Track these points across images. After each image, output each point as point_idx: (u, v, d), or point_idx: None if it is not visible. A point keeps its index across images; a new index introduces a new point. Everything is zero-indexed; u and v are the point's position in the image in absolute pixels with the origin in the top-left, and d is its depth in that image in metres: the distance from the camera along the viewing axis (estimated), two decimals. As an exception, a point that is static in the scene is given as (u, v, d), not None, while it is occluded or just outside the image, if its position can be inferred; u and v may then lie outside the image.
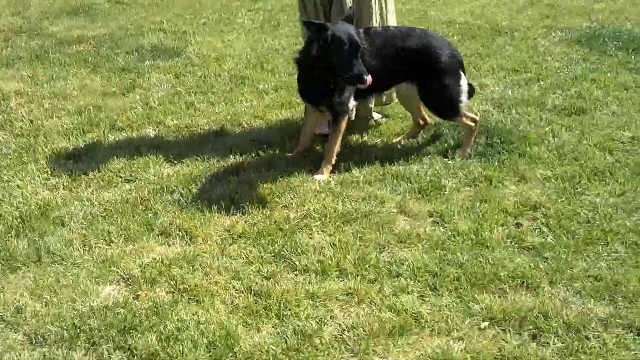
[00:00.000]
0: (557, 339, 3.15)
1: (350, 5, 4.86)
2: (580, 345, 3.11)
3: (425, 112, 5.09)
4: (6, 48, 7.04)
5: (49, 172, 4.69)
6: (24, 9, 8.40)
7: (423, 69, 4.66)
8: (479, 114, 5.07)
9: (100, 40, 7.23)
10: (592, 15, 7.75)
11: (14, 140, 5.14)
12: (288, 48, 6.76)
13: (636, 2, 8.27)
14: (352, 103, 4.72)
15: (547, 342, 3.14)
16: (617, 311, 3.31)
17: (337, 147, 4.66)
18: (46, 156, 4.90)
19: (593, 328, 3.21)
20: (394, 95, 5.29)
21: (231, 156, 4.82)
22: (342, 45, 4.24)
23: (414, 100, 4.90)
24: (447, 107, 4.76)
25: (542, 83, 5.97)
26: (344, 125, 4.68)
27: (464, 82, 4.74)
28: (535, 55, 6.60)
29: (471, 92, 4.91)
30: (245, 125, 5.33)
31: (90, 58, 6.74)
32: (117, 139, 5.15)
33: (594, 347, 3.10)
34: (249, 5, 8.33)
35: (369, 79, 4.27)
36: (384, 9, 5.07)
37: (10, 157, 4.90)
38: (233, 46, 6.98)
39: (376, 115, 5.42)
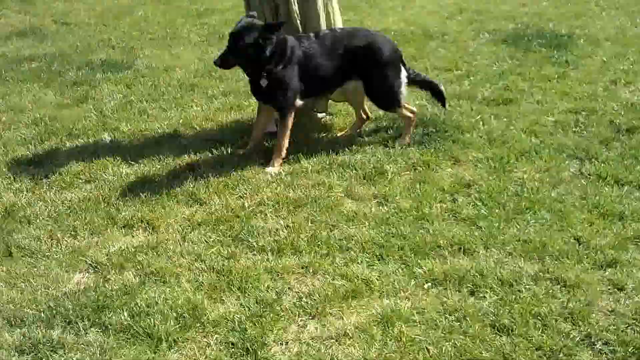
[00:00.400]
0: (493, 293, 3.52)
1: (296, 8, 5.21)
2: (513, 297, 3.48)
3: (367, 107, 5.45)
4: (-42, 69, 7.20)
5: (12, 178, 4.89)
6: (-30, 32, 8.57)
7: (368, 64, 5.03)
8: (416, 108, 5.45)
9: (51, 58, 7.42)
10: (517, 19, 8.27)
11: (-26, 151, 5.33)
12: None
13: (558, 5, 8.84)
14: (298, 102, 5.05)
15: (484, 296, 3.50)
16: (545, 267, 3.70)
17: (286, 142, 4.99)
18: (7, 164, 5.10)
19: (524, 282, 3.59)
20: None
21: (186, 155, 5.10)
22: None
23: (358, 96, 5.26)
24: (390, 99, 5.13)
25: (472, 79, 6.41)
26: (290, 121, 5.00)
27: (403, 76, 5.12)
28: (465, 56, 7.05)
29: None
30: (197, 127, 5.61)
31: (42, 74, 6.93)
32: (74, 145, 5.38)
33: (526, 297, 3.47)
34: (193, 21, 8.61)
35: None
36: (330, 11, 5.42)
37: (-28, 166, 5.09)
38: (181, 58, 7.27)
39: (320, 114, 5.76)
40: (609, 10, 8.80)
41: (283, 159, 4.98)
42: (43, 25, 8.86)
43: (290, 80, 4.90)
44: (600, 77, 6.36)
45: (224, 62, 4.83)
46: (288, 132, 5.01)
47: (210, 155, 5.09)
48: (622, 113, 5.55)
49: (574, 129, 5.30)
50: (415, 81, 5.31)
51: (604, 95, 5.93)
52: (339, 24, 5.51)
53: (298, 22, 5.28)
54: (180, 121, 5.71)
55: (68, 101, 6.26)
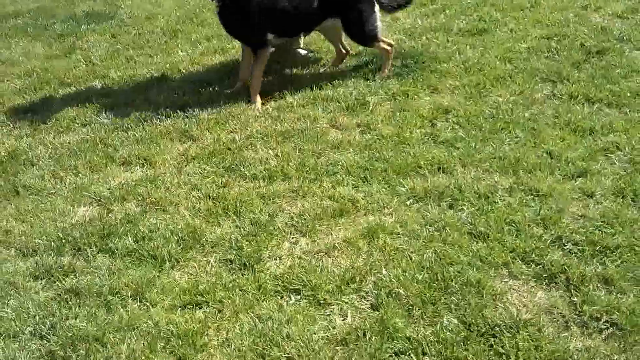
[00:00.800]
0: (470, 205, 3.80)
1: None
2: (489, 207, 3.76)
3: (346, 43, 5.66)
4: (-57, 27, 7.32)
5: (11, 125, 5.10)
6: (-50, -10, 8.63)
7: (343, 2, 5.22)
8: (393, 42, 5.66)
9: (35, 13, 7.56)
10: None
11: (-29, 102, 5.52)
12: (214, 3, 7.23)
13: None
14: (271, 39, 5.23)
15: (462, 209, 3.78)
16: (519, 180, 3.98)
17: (259, 76, 5.23)
18: (5, 112, 5.30)
19: (499, 195, 3.87)
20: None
21: (175, 96, 5.32)
22: None
23: (336, 33, 5.47)
24: (367, 34, 5.33)
25: (447, 12, 6.61)
26: (263, 57, 5.23)
27: (377, 10, 5.31)
28: (440, -11, 7.25)
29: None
30: (184, 71, 5.81)
31: (29, 29, 7.07)
32: (67, 92, 5.57)
33: (501, 207, 3.75)
34: (172, -30, 8.73)
35: None
36: None
37: (-30, 116, 5.29)
38: (162, 6, 7.42)
39: (302, 52, 5.97)
40: None
41: (266, 95, 5.19)
42: (23, -18, 8.94)
43: (249, 15, 5.07)
44: (572, 4, 6.58)
45: None
46: (261, 67, 5.24)
47: (198, 95, 5.30)
48: (593, 36, 5.79)
49: (546, 54, 5.54)
50: (389, 8, 5.49)
51: (575, 21, 6.16)
52: None
53: None
54: (167, 66, 5.90)
55: (57, 52, 6.42)
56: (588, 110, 4.66)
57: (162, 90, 5.43)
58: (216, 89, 5.41)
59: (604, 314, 2.99)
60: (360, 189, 4.05)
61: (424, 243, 3.54)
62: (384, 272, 3.35)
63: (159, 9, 7.35)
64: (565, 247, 3.42)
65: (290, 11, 5.15)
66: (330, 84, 5.32)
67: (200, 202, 4.02)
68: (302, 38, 5.85)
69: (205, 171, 4.33)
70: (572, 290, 3.14)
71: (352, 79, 5.40)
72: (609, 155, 4.17)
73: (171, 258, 3.57)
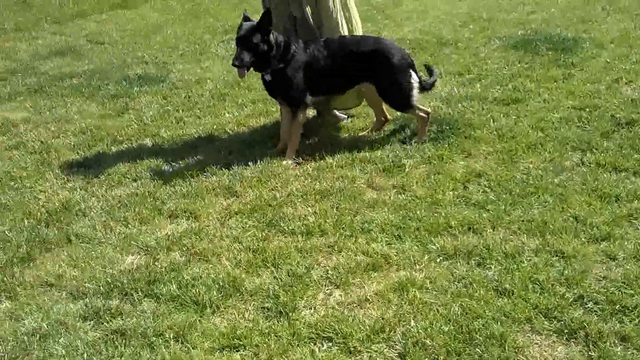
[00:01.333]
0: (497, 264, 3.98)
1: (310, 19, 5.74)
2: (515, 267, 3.93)
3: (385, 110, 5.94)
4: (5, 86, 7.77)
5: (65, 179, 5.42)
6: (14, 53, 9.14)
7: (377, 69, 5.52)
8: (431, 109, 5.92)
9: (90, 74, 7.99)
10: (526, 25, 8.71)
11: (29, 157, 5.87)
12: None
13: (565, 11, 9.26)
14: (308, 99, 5.57)
15: (489, 267, 3.96)
16: (546, 242, 4.16)
17: (298, 136, 5.55)
18: (60, 166, 5.64)
19: (526, 255, 4.04)
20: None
21: (221, 154, 5.62)
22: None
23: (374, 98, 5.76)
24: (402, 101, 5.61)
25: (483, 82, 6.87)
26: (300, 117, 5.56)
27: (414, 79, 5.59)
28: (477, 60, 7.52)
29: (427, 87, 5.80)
30: (230, 132, 6.12)
31: (83, 89, 7.49)
32: (119, 149, 5.91)
33: (527, 266, 3.93)
34: (219, 38, 9.16)
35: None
36: (344, 21, 5.94)
37: (28, 169, 5.62)
38: (211, 71, 7.81)
39: (342, 116, 6.26)
40: (614, 15, 9.20)
41: (309, 156, 5.47)
42: (78, 45, 9.43)
43: (292, 77, 5.44)
44: (604, 77, 6.79)
45: (239, 61, 5.26)
46: (299, 128, 5.56)
47: (243, 155, 5.59)
48: (623, 108, 5.98)
49: (577, 124, 5.74)
50: (426, 88, 5.78)
51: (607, 93, 6.36)
52: (359, 31, 6.01)
53: (316, 31, 5.79)
54: (214, 127, 6.23)
55: (110, 112, 6.79)
56: (615, 178, 4.83)
57: (209, 149, 5.73)
58: (260, 149, 5.69)
59: (620, 368, 3.12)
60: (393, 245, 4.26)
61: (451, 298, 3.72)
62: (412, 323, 3.53)
63: (209, 73, 7.73)
64: (587, 306, 3.57)
65: (327, 73, 5.47)
66: (368, 146, 5.58)
67: (241, 254, 4.25)
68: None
69: (247, 225, 4.58)
70: (591, 346, 3.30)
71: (389, 143, 5.65)
72: (632, 220, 4.33)
73: (212, 304, 3.79)
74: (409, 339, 3.42)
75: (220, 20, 10.05)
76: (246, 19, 5.43)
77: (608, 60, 7.31)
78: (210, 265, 4.16)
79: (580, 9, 9.31)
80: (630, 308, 3.52)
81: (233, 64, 5.31)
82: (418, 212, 4.58)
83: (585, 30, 8.32)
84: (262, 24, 5.26)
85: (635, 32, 8.31)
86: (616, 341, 3.32)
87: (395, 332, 3.50)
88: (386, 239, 4.33)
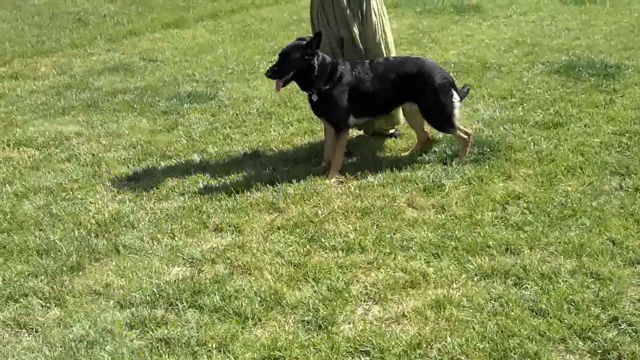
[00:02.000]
0: (534, 284, 4.06)
1: (358, 39, 5.91)
2: (551, 287, 4.01)
3: (427, 130, 6.05)
4: (60, 100, 8.03)
5: (115, 191, 5.63)
6: (68, 69, 9.46)
7: (420, 89, 5.65)
8: (472, 131, 6.02)
9: (141, 91, 8.23)
10: (569, 51, 8.73)
11: (80, 169, 6.09)
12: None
13: (609, 38, 9.27)
14: (352, 120, 5.73)
15: (526, 287, 4.05)
16: (582, 264, 4.22)
17: (341, 156, 5.69)
18: (110, 179, 5.85)
19: (562, 276, 4.12)
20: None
21: (266, 171, 5.78)
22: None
23: (417, 118, 5.88)
24: (443, 121, 5.72)
25: (525, 105, 6.93)
26: (344, 137, 5.71)
27: (456, 99, 5.70)
28: (520, 85, 7.58)
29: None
30: (275, 149, 6.29)
31: (135, 105, 7.73)
32: (168, 164, 6.11)
33: (562, 287, 4.00)
34: (268, 58, 9.32)
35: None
36: (388, 42, 6.12)
37: (80, 181, 5.84)
38: (259, 90, 7.99)
39: (391, 131, 6.39)
40: (659, 43, 9.21)
41: (352, 176, 5.60)
42: (131, 62, 9.68)
43: (338, 99, 5.59)
44: (645, 103, 6.83)
45: (271, 72, 5.54)
46: (342, 148, 5.70)
47: (287, 172, 5.74)
48: (664, 135, 6.01)
49: (617, 149, 5.78)
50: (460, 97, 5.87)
51: (648, 119, 6.39)
52: (392, 52, 6.18)
53: (362, 52, 5.95)
54: (260, 144, 6.40)
55: (160, 127, 7.01)
56: (654, 203, 4.89)
57: (255, 166, 5.90)
58: (303, 166, 5.84)
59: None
60: (431, 263, 4.37)
61: (487, 316, 3.81)
62: (448, 340, 3.63)
63: (256, 92, 7.92)
64: (621, 327, 3.65)
65: (372, 94, 5.62)
66: (409, 166, 5.69)
67: (282, 268, 4.40)
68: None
69: (289, 240, 4.72)
70: None
71: (430, 163, 5.75)
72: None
73: (254, 316, 3.93)
74: (445, 355, 3.52)
75: (269, 40, 10.26)
76: (299, 39, 5.62)
77: (651, 87, 7.34)
78: (253, 278, 4.31)
79: (625, 36, 9.31)
80: None
81: (265, 74, 5.60)
82: (457, 232, 4.68)
83: (629, 57, 8.33)
84: (309, 45, 5.44)
85: (680, 60, 8.30)
86: (648, 363, 3.38)
87: (431, 348, 3.60)
88: (425, 257, 4.44)
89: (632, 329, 3.63)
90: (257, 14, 12.18)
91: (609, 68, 7.84)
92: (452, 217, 4.89)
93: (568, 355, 3.50)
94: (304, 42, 5.48)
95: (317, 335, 3.76)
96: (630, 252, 4.31)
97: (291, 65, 5.48)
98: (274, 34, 10.64)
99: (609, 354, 3.47)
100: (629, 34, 9.40)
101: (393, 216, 4.95)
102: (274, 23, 11.39)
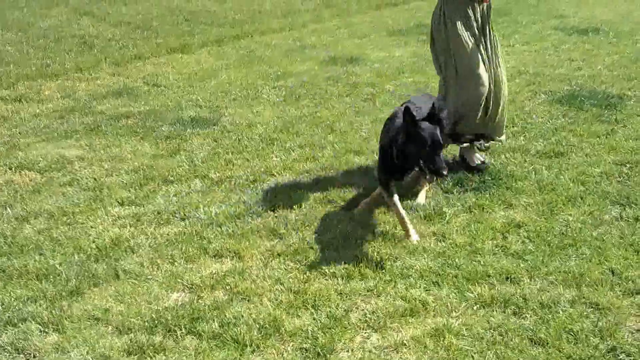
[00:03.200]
0: (533, 314, 4.06)
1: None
2: (551, 317, 4.01)
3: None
4: (63, 124, 8.06)
5: (116, 215, 5.64)
6: (72, 92, 9.50)
7: None
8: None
9: (145, 115, 8.26)
10: (572, 81, 8.76)
11: (82, 193, 6.10)
12: (309, 116, 7.84)
13: (612, 68, 9.30)
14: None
15: (525, 316, 4.05)
16: (582, 293, 4.23)
17: (399, 214, 5.13)
18: (112, 203, 5.86)
19: (562, 305, 4.12)
20: None
21: (267, 197, 5.78)
22: (425, 143, 4.65)
23: None
24: None
25: (527, 134, 6.95)
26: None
27: None
28: (522, 114, 7.60)
29: None
30: (277, 175, 6.30)
31: (138, 129, 7.76)
32: (169, 189, 6.11)
33: (562, 317, 3.99)
34: (272, 84, 9.38)
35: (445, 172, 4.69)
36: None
37: (81, 205, 5.85)
38: (261, 115, 8.02)
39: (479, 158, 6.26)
40: (661, 73, 9.25)
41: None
42: (135, 87, 9.71)
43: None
44: (647, 134, 6.85)
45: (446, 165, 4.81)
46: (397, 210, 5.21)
47: (289, 198, 5.75)
48: (665, 165, 6.03)
49: (618, 179, 5.79)
50: None
51: (649, 150, 6.41)
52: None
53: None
54: (262, 170, 6.41)
55: (163, 152, 7.03)
56: (654, 233, 4.89)
57: (256, 192, 5.91)
58: (305, 192, 5.85)
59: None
60: (431, 292, 4.36)
61: (486, 345, 3.80)
62: (447, 369, 3.62)
63: (259, 117, 7.95)
64: (619, 357, 3.67)
65: None
66: (410, 193, 5.69)
67: (282, 295, 4.39)
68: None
69: (289, 267, 4.73)
70: None
71: (432, 190, 5.76)
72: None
73: (252, 343, 3.93)
74: (443, 384, 3.50)
75: (273, 66, 10.31)
76: (431, 116, 4.83)
77: (652, 118, 7.37)
78: (252, 305, 4.30)
79: (627, 66, 9.35)
80: None
81: (445, 175, 4.75)
82: (457, 260, 4.68)
83: (631, 87, 8.36)
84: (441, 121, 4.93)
85: (682, 91, 8.34)
86: (647, 394, 3.37)
87: (429, 377, 3.59)
88: (424, 285, 4.44)
89: (631, 359, 3.61)
90: (261, 40, 12.24)
91: (610, 98, 7.87)
92: (453, 245, 4.89)
93: (567, 386, 3.49)
94: (436, 121, 4.84)
95: (316, 363, 3.75)
96: (630, 282, 4.31)
97: None
98: (277, 60, 10.68)
99: (608, 384, 3.45)
100: (632, 64, 9.44)
101: (393, 244, 4.96)
102: (278, 49, 11.45)
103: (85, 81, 10.04)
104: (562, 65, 9.60)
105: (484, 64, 5.79)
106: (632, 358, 3.64)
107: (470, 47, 5.72)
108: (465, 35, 5.74)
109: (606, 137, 6.73)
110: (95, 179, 6.44)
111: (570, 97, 8.02)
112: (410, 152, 4.78)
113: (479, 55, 5.77)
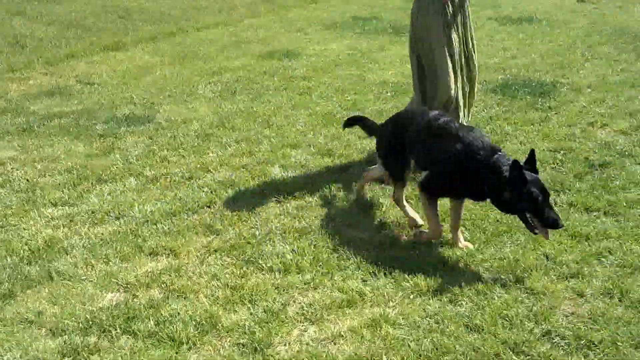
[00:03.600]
0: (469, 300, 4.10)
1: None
2: (486, 303, 4.05)
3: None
4: (-6, 125, 7.87)
5: (49, 216, 5.49)
6: (4, 93, 9.25)
7: None
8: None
9: (78, 114, 8.08)
10: (506, 70, 8.90)
11: (15, 195, 5.93)
12: (245, 110, 7.78)
13: (545, 57, 9.48)
14: None
15: (461, 303, 4.09)
16: (516, 279, 4.28)
17: (428, 217, 4.91)
18: (44, 204, 5.70)
19: (497, 291, 4.16)
20: None
21: (203, 194, 5.71)
22: (537, 200, 4.27)
23: None
24: None
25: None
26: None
27: None
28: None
29: None
30: (213, 171, 6.22)
31: (71, 129, 7.58)
32: (104, 188, 5.98)
33: (497, 303, 4.04)
34: (207, 79, 9.29)
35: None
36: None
37: (13, 207, 5.68)
38: (197, 111, 7.93)
39: None
40: (592, 60, 9.44)
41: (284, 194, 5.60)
42: (69, 86, 9.50)
43: None
44: (579, 120, 6.99)
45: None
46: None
47: (225, 193, 5.69)
48: (596, 151, 6.15)
49: (552, 165, 5.90)
50: None
51: (581, 136, 6.54)
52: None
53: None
54: (198, 166, 6.33)
55: (97, 151, 6.88)
56: (586, 218, 4.99)
57: (192, 189, 5.83)
58: (242, 187, 5.80)
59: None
60: (368, 283, 4.37)
61: (423, 333, 3.82)
62: (384, 358, 3.62)
63: (194, 113, 7.86)
64: (554, 341, 3.72)
65: None
66: (347, 185, 5.70)
67: (218, 291, 4.34)
68: None
69: (226, 263, 4.67)
70: None
71: (370, 182, 5.77)
72: (601, 259, 4.50)
73: (188, 341, 3.87)
74: (380, 374, 3.51)
75: (208, 62, 10.21)
76: (531, 162, 4.48)
77: (584, 104, 7.52)
78: (188, 302, 4.24)
79: (561, 55, 9.55)
80: (595, 343, 3.67)
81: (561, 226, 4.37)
82: (395, 251, 4.69)
83: (564, 75, 8.54)
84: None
85: (613, 78, 8.55)
86: (580, 375, 3.43)
87: (367, 367, 3.58)
88: (362, 276, 4.44)
89: (565, 343, 3.69)
90: (197, 36, 12.12)
91: (544, 86, 8.02)
92: (390, 236, 4.90)
93: (502, 370, 3.52)
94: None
95: (253, 358, 3.72)
96: (564, 266, 4.39)
97: None
98: (213, 56, 10.59)
99: (542, 367, 3.50)
100: (565, 52, 9.63)
101: (331, 236, 4.94)
102: (214, 45, 11.35)
103: (18, 82, 9.78)
104: (496, 55, 9.74)
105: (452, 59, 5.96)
106: (566, 341, 3.69)
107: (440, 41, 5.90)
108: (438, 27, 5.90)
109: (540, 125, 6.84)
110: (27, 180, 6.26)
111: (504, 86, 8.15)
112: (519, 207, 4.36)
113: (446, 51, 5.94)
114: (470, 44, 6.10)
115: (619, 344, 3.66)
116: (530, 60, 9.30)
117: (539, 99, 7.59)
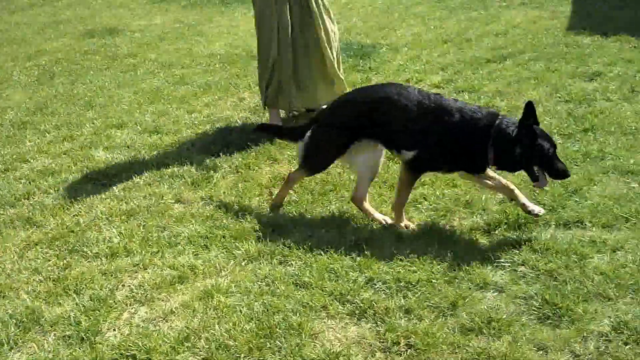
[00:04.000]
0: (298, 260, 4.15)
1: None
2: (314, 260, 4.10)
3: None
4: None
5: None
6: None
7: None
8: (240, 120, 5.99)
9: None
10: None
11: None
12: (65, 94, 7.44)
13: (365, 19, 9.69)
14: None
15: (291, 263, 4.12)
16: (342, 233, 4.34)
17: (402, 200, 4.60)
18: None
19: (324, 248, 4.21)
20: None
21: (20, 186, 5.39)
22: (547, 151, 4.22)
23: None
24: None
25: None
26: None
27: None
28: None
29: None
30: (31, 160, 5.88)
31: None
32: None
33: (324, 258, 4.07)
34: (22, 64, 8.82)
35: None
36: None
37: None
38: (11, 99, 7.48)
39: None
40: (408, 20, 9.76)
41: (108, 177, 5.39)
42: None
43: None
44: (397, 78, 7.20)
45: None
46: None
47: (45, 183, 5.40)
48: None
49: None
50: None
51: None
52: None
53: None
54: (14, 157, 5.97)
55: None
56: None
57: (8, 181, 5.50)
58: (63, 175, 5.52)
59: (403, 338, 3.39)
60: (199, 256, 4.27)
61: (254, 297, 3.79)
62: (216, 328, 3.56)
63: (9, 102, 7.43)
64: (376, 286, 3.83)
65: None
66: (177, 161, 5.56)
67: (40, 285, 4.10)
68: None
69: (47, 255, 4.43)
70: (378, 322, 3.54)
71: (199, 155, 5.66)
72: (417, 205, 4.69)
73: (9, 340, 3.63)
74: (213, 343, 3.44)
75: (24, 46, 9.68)
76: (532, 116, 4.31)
77: (401, 62, 7.78)
78: (7, 301, 3.98)
79: (379, 16, 9.77)
80: (413, 283, 3.82)
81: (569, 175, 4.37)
82: (225, 221, 4.62)
83: (383, 36, 8.74)
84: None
85: (426, 36, 8.90)
86: (401, 314, 3.59)
87: (200, 339, 3.51)
88: (193, 250, 4.34)
89: (386, 287, 3.82)
90: (11, 19, 11.47)
91: (365, 48, 8.19)
92: (221, 207, 4.83)
93: (329, 321, 3.59)
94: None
95: (80, 348, 3.53)
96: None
97: None
98: (29, 39, 10.06)
99: (365, 313, 3.61)
100: (383, 14, 9.86)
101: (160, 214, 4.81)
102: (29, 27, 10.79)
103: None
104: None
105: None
106: (387, 285, 3.83)
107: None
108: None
109: (362, 85, 6.93)
110: None
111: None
112: (530, 162, 4.27)
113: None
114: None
115: (433, 281, 3.84)
116: (352, 24, 9.45)
117: (360, 61, 7.74)
